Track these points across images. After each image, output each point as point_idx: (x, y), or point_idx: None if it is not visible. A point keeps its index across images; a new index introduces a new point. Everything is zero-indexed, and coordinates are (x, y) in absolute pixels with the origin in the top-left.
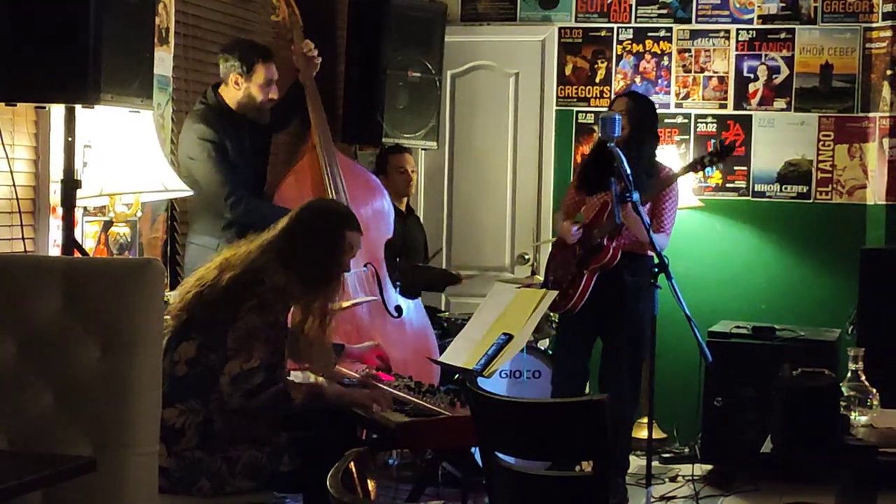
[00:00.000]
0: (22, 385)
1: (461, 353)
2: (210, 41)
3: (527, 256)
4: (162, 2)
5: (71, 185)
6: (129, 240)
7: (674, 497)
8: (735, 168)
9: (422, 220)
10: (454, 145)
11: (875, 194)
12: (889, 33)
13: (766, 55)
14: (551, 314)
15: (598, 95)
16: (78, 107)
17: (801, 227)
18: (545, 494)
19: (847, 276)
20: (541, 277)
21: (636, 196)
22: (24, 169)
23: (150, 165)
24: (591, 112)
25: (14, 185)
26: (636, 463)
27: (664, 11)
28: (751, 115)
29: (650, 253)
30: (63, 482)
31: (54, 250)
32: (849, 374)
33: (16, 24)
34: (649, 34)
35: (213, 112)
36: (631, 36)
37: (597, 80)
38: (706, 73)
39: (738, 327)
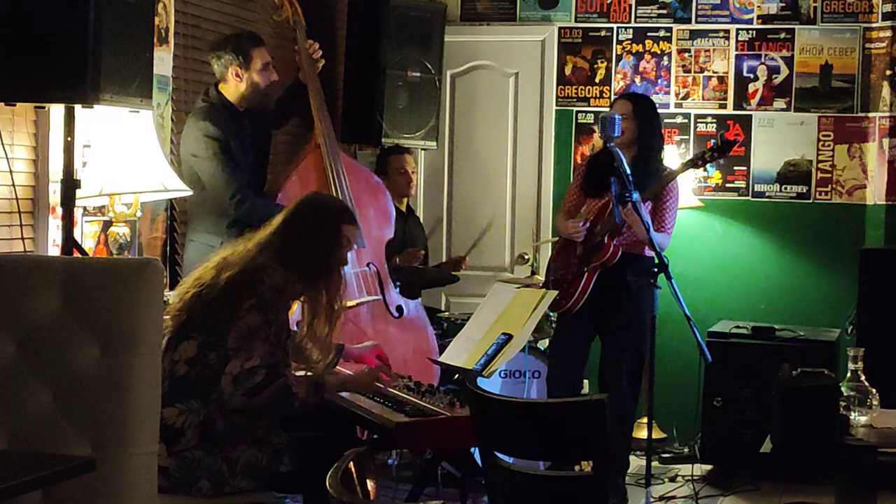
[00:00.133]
0: (21, 385)
1: (461, 353)
2: (210, 41)
3: (527, 256)
4: (162, 2)
5: (70, 184)
6: (128, 240)
7: (673, 497)
8: (735, 168)
9: (422, 220)
10: (454, 145)
11: (875, 194)
12: (889, 33)
13: (765, 55)
14: (551, 314)
15: (598, 95)
16: (77, 107)
17: (800, 227)
18: (544, 494)
19: (847, 276)
20: (541, 277)
21: (636, 196)
22: (23, 169)
23: (150, 165)
24: (590, 112)
25: (13, 185)
26: (636, 463)
27: (664, 11)
28: (750, 115)
29: (650, 253)
30: (62, 482)
31: (54, 250)
32: (848, 374)
33: (16, 24)
34: (649, 34)
35: (217, 109)
36: (631, 36)
37: (596, 80)
38: (706, 73)
39: (737, 327)
